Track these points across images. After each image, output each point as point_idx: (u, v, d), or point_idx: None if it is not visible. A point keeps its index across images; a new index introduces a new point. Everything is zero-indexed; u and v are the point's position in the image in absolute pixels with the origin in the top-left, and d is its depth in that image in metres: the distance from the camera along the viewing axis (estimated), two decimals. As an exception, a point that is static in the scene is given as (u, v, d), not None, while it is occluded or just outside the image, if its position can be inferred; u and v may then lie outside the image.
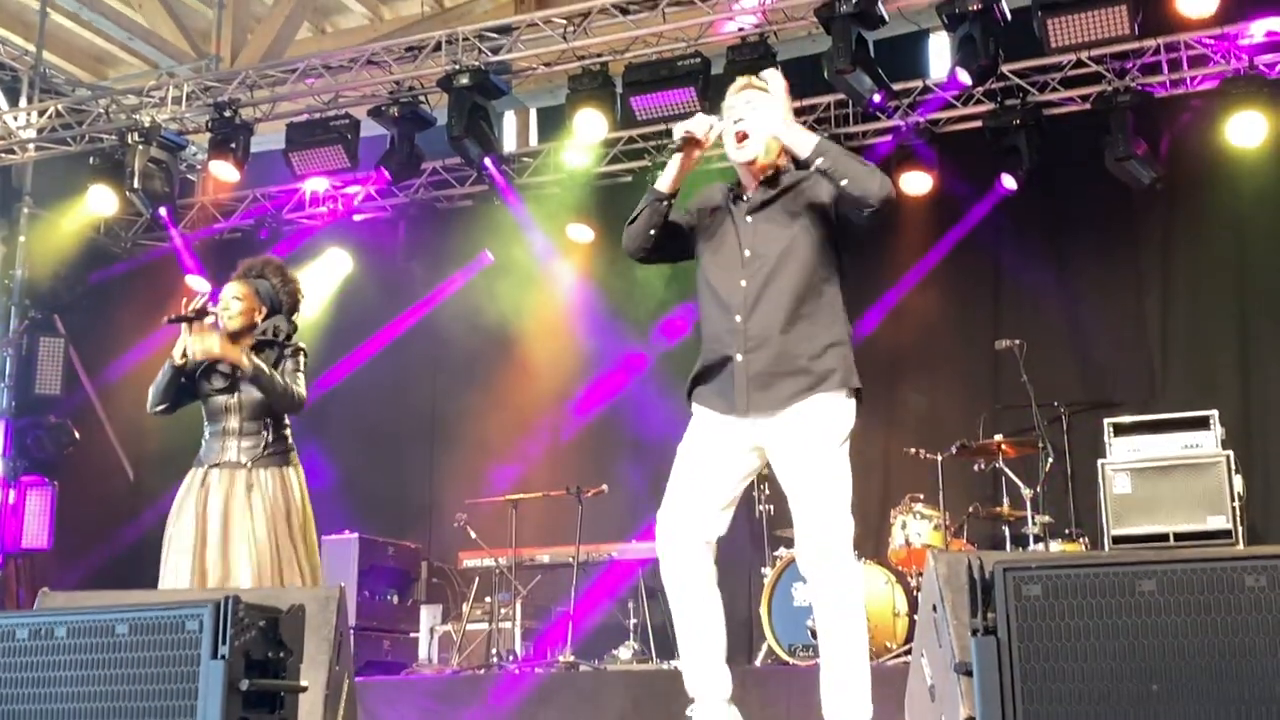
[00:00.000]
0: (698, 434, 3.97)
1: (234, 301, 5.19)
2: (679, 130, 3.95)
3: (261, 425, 5.11)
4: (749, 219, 3.97)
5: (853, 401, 3.90)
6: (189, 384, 5.16)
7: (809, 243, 3.90)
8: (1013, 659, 2.43)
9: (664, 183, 3.98)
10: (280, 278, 5.36)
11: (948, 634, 3.01)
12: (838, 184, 3.78)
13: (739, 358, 3.86)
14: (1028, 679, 2.42)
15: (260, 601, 2.98)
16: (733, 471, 3.91)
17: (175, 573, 4.92)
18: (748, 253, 3.92)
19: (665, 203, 3.98)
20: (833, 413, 3.85)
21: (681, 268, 4.30)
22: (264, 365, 5.03)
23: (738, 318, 3.88)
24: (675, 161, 3.98)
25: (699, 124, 3.95)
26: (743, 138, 3.95)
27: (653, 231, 4.00)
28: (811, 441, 3.81)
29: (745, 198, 4.02)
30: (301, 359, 5.20)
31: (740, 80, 4.13)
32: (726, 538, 3.95)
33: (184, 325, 5.06)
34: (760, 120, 3.94)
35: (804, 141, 3.85)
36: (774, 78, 4.00)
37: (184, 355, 5.06)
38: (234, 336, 5.17)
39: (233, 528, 4.96)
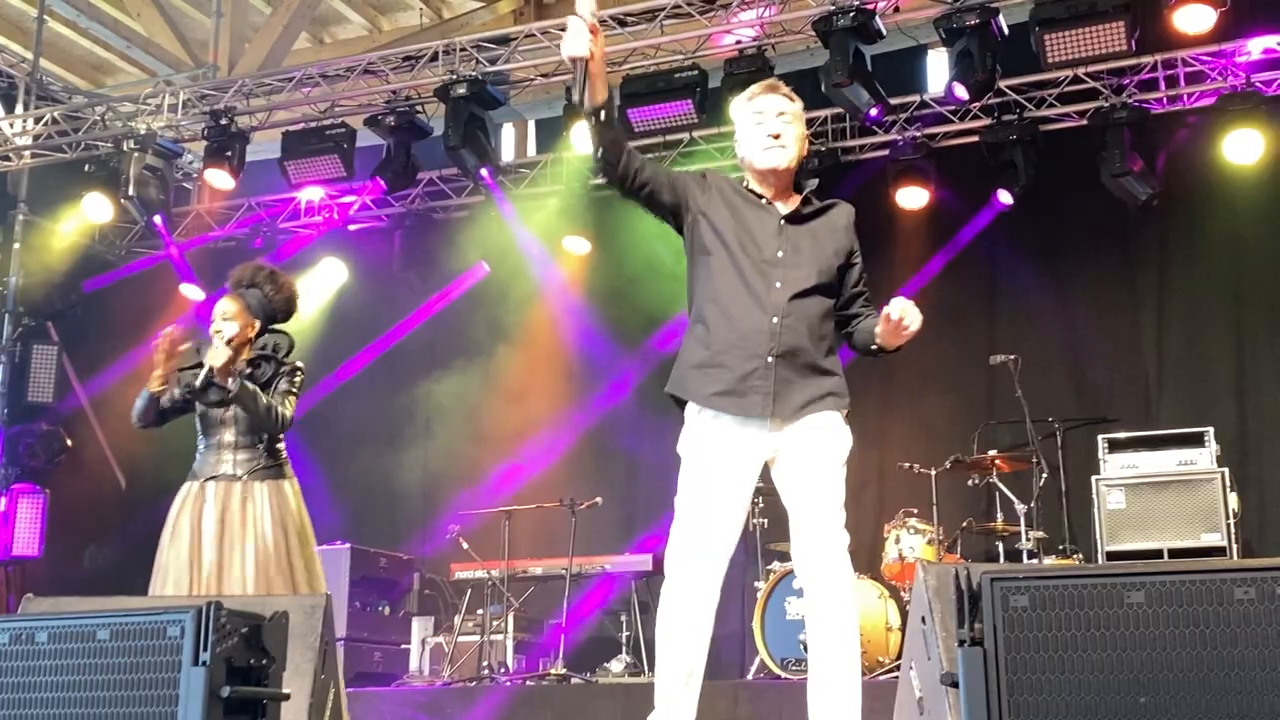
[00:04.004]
0: (711, 443, 3.83)
1: (225, 323, 5.07)
2: (567, 53, 3.72)
3: (257, 439, 5.06)
4: (784, 223, 3.91)
5: (848, 428, 3.93)
6: (173, 408, 5.12)
7: (833, 267, 3.92)
8: (1000, 670, 2.41)
9: (592, 99, 3.74)
10: (273, 285, 5.24)
11: (936, 646, 2.99)
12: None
13: (770, 360, 3.79)
14: (1015, 691, 2.40)
15: (243, 608, 2.96)
16: (746, 487, 3.85)
17: (173, 586, 4.87)
18: (781, 254, 3.87)
19: (604, 112, 3.80)
20: (842, 428, 3.88)
21: (679, 280, 4.18)
22: (250, 385, 4.94)
23: (774, 319, 3.80)
24: (592, 81, 3.73)
25: (577, 45, 3.69)
26: (778, 143, 3.88)
27: (611, 150, 3.83)
28: (828, 451, 3.81)
29: (771, 201, 3.94)
30: (296, 379, 5.12)
31: (765, 83, 4.06)
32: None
33: (161, 356, 5.00)
34: (791, 134, 3.91)
35: None
36: None
37: (161, 383, 5.01)
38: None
39: (228, 543, 4.92)
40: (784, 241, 3.88)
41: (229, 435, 5.05)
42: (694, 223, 3.94)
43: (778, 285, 3.82)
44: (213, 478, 5.02)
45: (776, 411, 3.78)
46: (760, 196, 3.94)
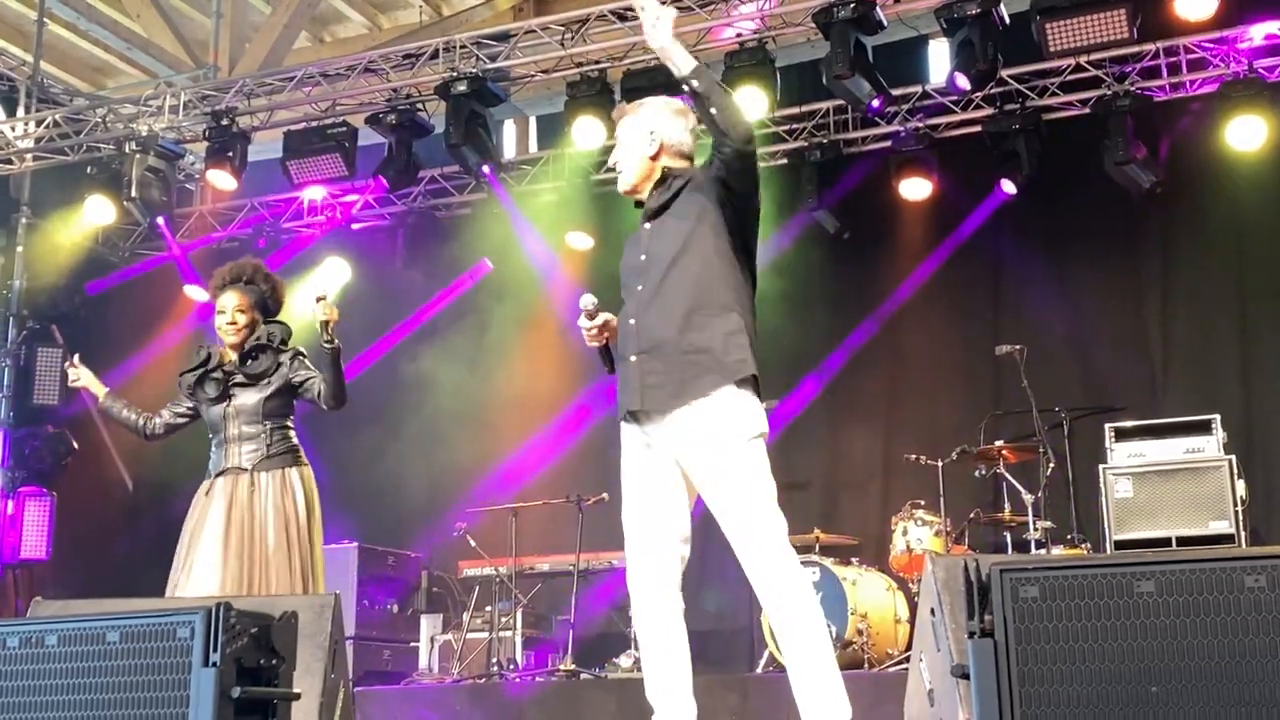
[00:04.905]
0: (623, 453, 4.01)
1: (239, 314, 5.22)
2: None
3: (261, 429, 5.15)
4: (648, 225, 4.01)
5: (748, 393, 3.81)
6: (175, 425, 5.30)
7: (706, 236, 3.88)
8: (1010, 661, 2.41)
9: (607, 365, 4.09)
10: (268, 282, 5.38)
11: (946, 637, 2.99)
12: (707, 110, 3.81)
13: (632, 359, 3.88)
14: (1025, 681, 2.39)
15: (253, 609, 2.96)
16: (658, 487, 3.87)
17: (197, 578, 4.93)
18: (643, 257, 3.96)
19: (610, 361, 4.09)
20: (727, 407, 3.77)
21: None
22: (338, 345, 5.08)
23: (631, 320, 3.92)
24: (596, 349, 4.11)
25: (585, 308, 4.06)
26: (617, 173, 4.08)
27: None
28: (711, 439, 3.76)
29: (644, 209, 4.06)
30: (307, 362, 5.25)
31: (614, 112, 4.25)
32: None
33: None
34: (625, 154, 4.04)
35: (684, 62, 3.87)
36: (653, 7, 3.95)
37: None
38: (235, 346, 5.21)
39: (235, 536, 4.98)
40: (647, 244, 3.98)
41: (233, 429, 5.15)
42: None
43: (639, 288, 3.93)
44: (223, 472, 5.13)
45: (647, 404, 3.83)
46: (643, 214, 4.08)
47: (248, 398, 5.15)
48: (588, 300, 4.04)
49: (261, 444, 5.12)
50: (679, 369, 3.80)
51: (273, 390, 5.16)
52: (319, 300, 5.03)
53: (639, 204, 4.09)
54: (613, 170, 4.16)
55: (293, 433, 5.25)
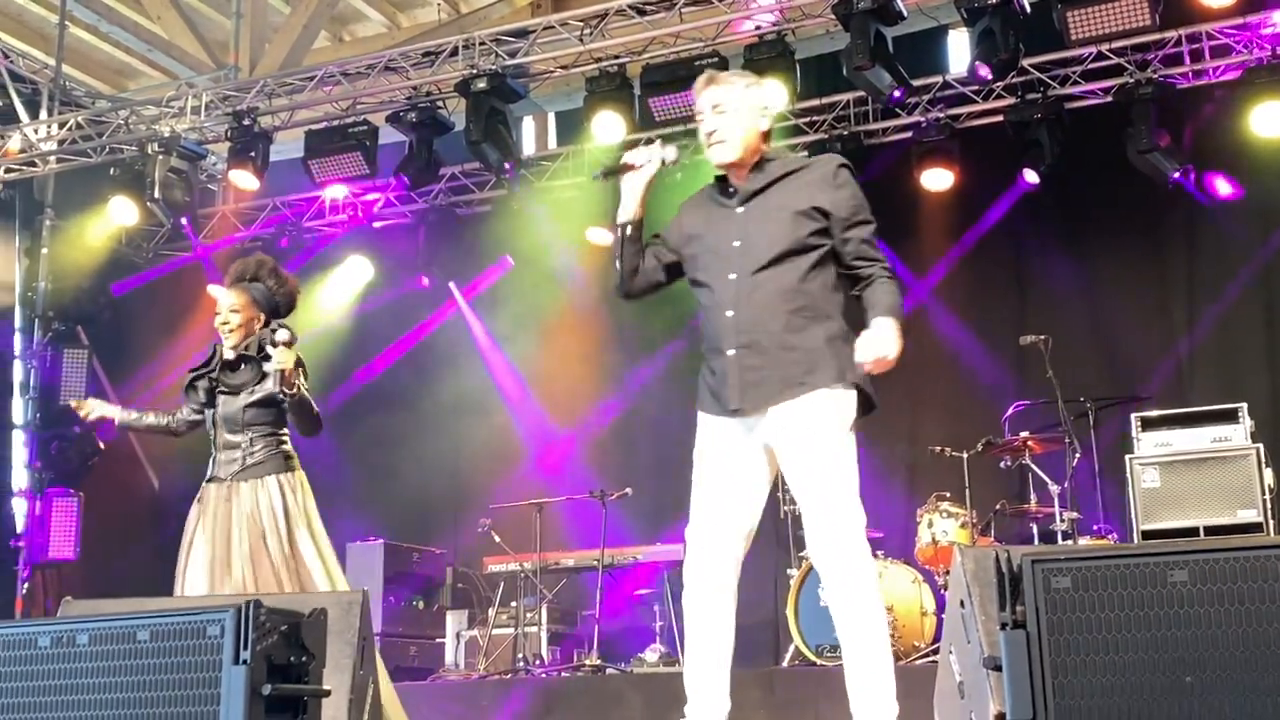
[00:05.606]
0: (704, 442, 3.89)
1: (232, 314, 5.07)
2: (626, 158, 3.95)
3: (242, 438, 5.00)
4: (740, 210, 3.90)
5: (852, 393, 3.80)
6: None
7: (802, 228, 3.80)
8: (1043, 652, 2.39)
9: (622, 214, 3.97)
10: (275, 279, 5.22)
11: (976, 629, 2.97)
12: None
13: (730, 353, 3.79)
14: (1058, 672, 2.38)
15: (282, 606, 2.97)
16: (742, 484, 3.83)
17: (179, 589, 4.94)
18: (738, 243, 3.85)
19: (630, 229, 3.96)
20: (831, 404, 3.76)
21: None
22: (306, 392, 4.92)
23: (729, 312, 3.80)
24: (625, 190, 3.97)
25: (638, 155, 3.95)
26: (716, 141, 3.90)
27: (636, 266, 4.00)
28: (814, 433, 3.73)
29: (734, 189, 3.94)
30: (302, 372, 5.02)
31: (702, 78, 4.05)
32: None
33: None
34: (731, 125, 3.89)
35: None
36: None
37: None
38: (234, 348, 5.10)
39: (218, 543, 4.91)
40: (740, 228, 3.87)
41: (220, 436, 5.05)
42: (683, 260, 4.03)
43: (731, 277, 3.82)
44: (211, 479, 5.06)
45: (747, 404, 3.76)
46: (728, 189, 3.96)
47: (230, 405, 5.02)
48: (671, 152, 3.94)
49: (241, 453, 4.98)
50: (782, 366, 3.75)
51: (255, 400, 5.00)
52: (285, 345, 4.83)
53: (720, 178, 3.98)
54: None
55: (284, 438, 5.08)
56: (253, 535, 4.88)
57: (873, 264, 3.84)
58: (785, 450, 3.77)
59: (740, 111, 3.90)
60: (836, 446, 3.73)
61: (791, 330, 3.76)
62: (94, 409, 5.41)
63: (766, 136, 3.96)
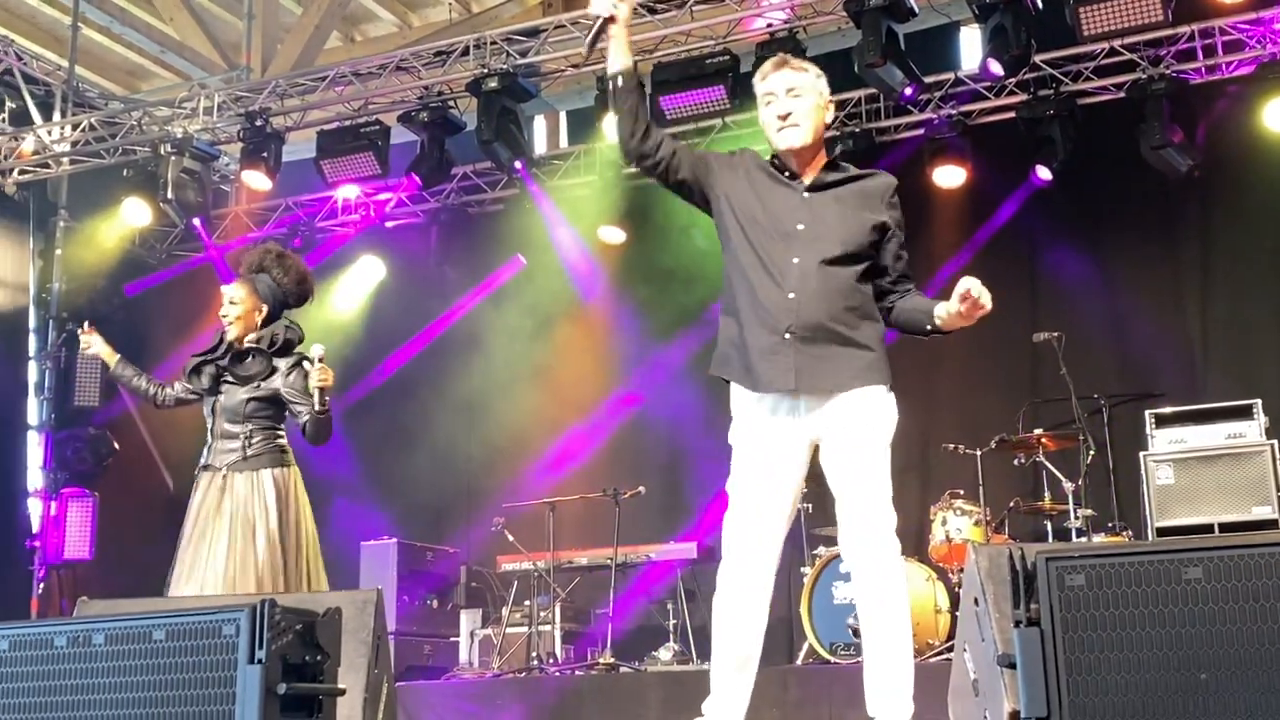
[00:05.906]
0: (745, 424, 3.84)
1: (231, 306, 5.10)
2: (593, 10, 3.87)
3: (241, 429, 5.03)
4: (807, 195, 3.89)
5: (893, 397, 3.84)
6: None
7: (864, 235, 3.84)
8: (1057, 650, 2.39)
9: (611, 65, 3.91)
10: (280, 268, 5.22)
11: (990, 627, 2.97)
12: None
13: (787, 335, 3.75)
14: (1073, 670, 2.38)
15: (297, 605, 2.98)
16: (791, 471, 3.81)
17: (176, 577, 4.95)
18: (801, 226, 3.83)
19: (622, 79, 3.90)
20: (883, 405, 3.81)
21: (716, 266, 4.17)
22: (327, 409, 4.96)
23: (791, 294, 3.76)
24: (610, 44, 3.90)
25: (601, 4, 3.85)
26: (791, 125, 3.88)
27: (638, 119, 3.92)
28: (869, 431, 3.75)
29: (796, 173, 3.92)
30: (308, 378, 5.01)
31: (773, 60, 4.04)
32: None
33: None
34: (804, 109, 3.89)
35: None
36: None
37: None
38: (237, 339, 5.12)
39: (207, 534, 4.92)
40: (806, 214, 3.85)
41: (218, 425, 5.08)
42: (718, 202, 3.96)
43: (795, 260, 3.79)
44: (206, 467, 5.08)
45: (802, 387, 3.73)
46: (785, 171, 3.94)
47: (233, 396, 5.04)
48: None
49: (240, 444, 5.01)
50: (841, 357, 3.76)
51: (260, 395, 5.04)
52: (319, 361, 4.90)
53: (776, 159, 3.96)
54: None
55: (280, 434, 5.11)
56: (243, 527, 4.89)
57: (911, 282, 3.97)
58: (837, 440, 3.76)
59: (813, 98, 3.94)
60: (885, 448, 3.78)
61: (850, 326, 3.78)
62: (93, 344, 5.49)
63: (833, 124, 4.02)
